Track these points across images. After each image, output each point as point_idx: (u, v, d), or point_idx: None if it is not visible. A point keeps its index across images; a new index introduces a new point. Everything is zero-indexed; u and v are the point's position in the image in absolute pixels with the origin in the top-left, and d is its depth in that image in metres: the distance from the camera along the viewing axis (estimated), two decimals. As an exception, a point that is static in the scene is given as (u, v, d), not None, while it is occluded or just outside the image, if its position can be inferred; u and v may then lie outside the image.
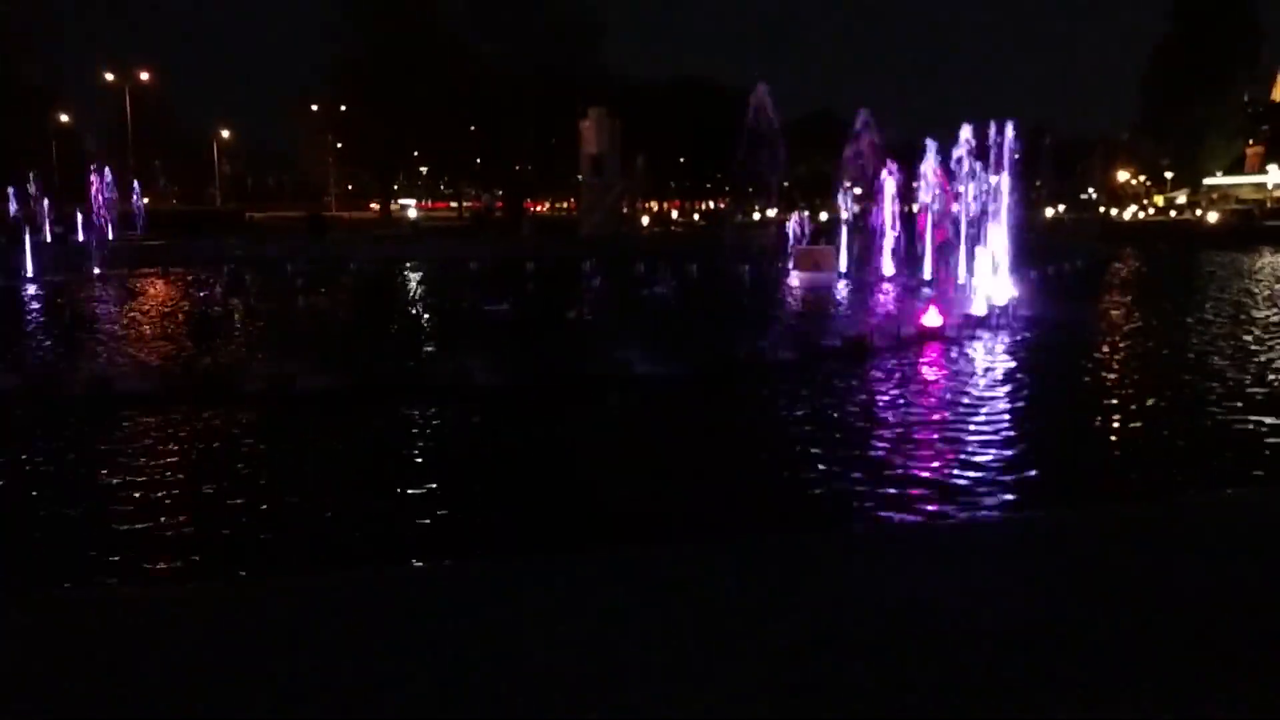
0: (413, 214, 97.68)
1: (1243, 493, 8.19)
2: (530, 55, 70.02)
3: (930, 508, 7.78)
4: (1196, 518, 6.80)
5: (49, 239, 45.24)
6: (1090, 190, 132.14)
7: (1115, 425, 11.01)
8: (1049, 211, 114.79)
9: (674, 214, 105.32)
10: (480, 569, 6.19)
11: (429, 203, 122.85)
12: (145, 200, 58.20)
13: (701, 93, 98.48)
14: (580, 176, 56.04)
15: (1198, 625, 4.53)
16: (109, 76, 76.95)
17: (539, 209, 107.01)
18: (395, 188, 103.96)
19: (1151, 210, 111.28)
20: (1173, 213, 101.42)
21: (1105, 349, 16.63)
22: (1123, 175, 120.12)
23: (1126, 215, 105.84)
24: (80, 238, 48.25)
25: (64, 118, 77.17)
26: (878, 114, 31.33)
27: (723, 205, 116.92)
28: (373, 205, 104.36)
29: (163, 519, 7.62)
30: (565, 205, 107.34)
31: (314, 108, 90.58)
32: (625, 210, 58.31)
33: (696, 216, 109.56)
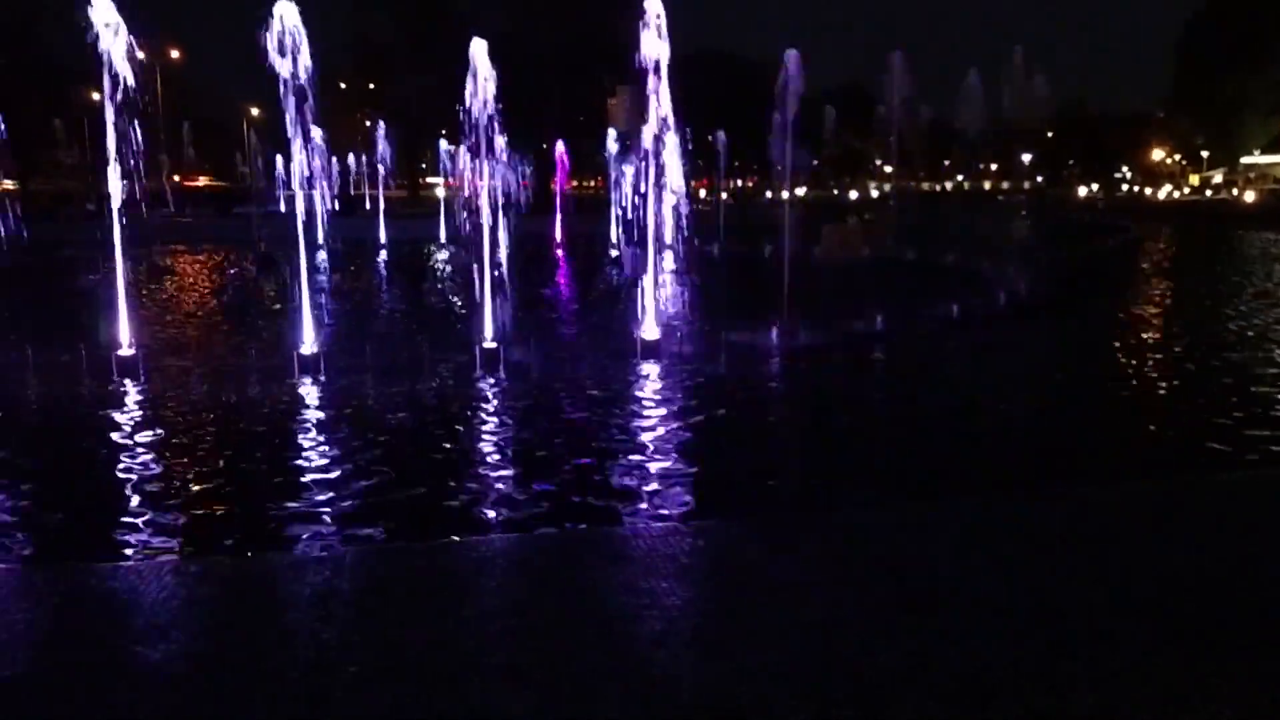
0: (440, 192, 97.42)
1: (1264, 472, 8.13)
2: (554, 32, 69.74)
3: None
4: (1217, 496, 6.76)
5: (82, 216, 45.70)
6: (1124, 169, 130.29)
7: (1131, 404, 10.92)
8: (1082, 190, 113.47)
9: (701, 192, 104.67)
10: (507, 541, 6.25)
11: (455, 181, 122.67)
12: (176, 178, 58.52)
13: (727, 66, 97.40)
14: (608, 155, 55.86)
15: (1211, 605, 4.52)
16: (139, 55, 77.38)
17: (569, 186, 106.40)
18: (423, 165, 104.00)
19: (1187, 190, 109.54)
20: (1208, 192, 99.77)
21: (1119, 340, 16.47)
22: (1157, 154, 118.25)
23: (1161, 195, 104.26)
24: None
25: (95, 95, 77.67)
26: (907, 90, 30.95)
27: (750, 184, 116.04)
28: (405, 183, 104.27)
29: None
30: (593, 183, 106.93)
31: (342, 86, 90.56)
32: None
33: (724, 195, 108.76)
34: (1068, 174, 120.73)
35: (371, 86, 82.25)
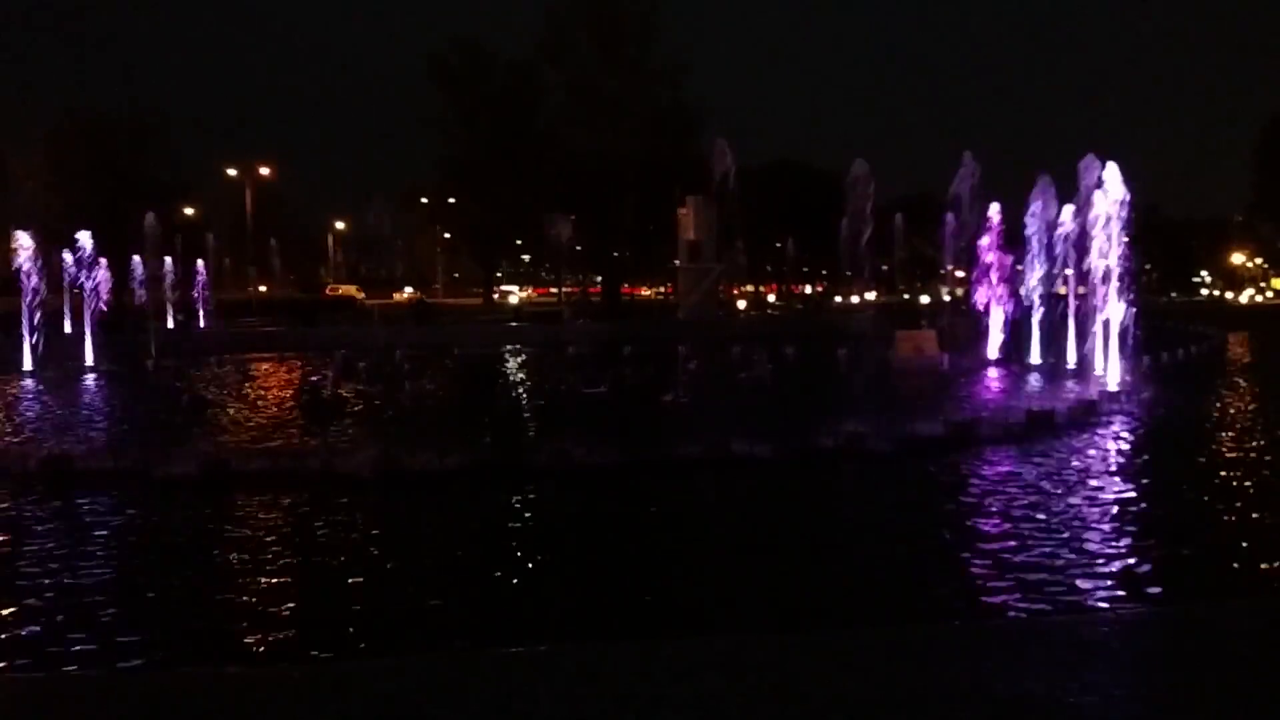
0: (514, 300, 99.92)
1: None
2: (629, 145, 71.48)
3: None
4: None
5: (171, 326, 47.68)
6: (1204, 273, 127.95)
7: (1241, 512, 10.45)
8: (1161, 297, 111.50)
9: (770, 297, 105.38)
10: (575, 653, 6.13)
11: (532, 289, 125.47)
12: (264, 288, 61.01)
13: (797, 175, 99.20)
14: (677, 262, 56.56)
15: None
16: (231, 172, 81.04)
17: (639, 293, 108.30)
18: (499, 275, 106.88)
19: (1270, 294, 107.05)
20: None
21: (1223, 434, 15.89)
22: (1238, 258, 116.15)
23: (1243, 299, 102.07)
24: (201, 324, 50.67)
25: (189, 211, 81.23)
26: (980, 197, 30.86)
27: (820, 289, 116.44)
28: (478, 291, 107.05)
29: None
30: (663, 290, 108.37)
31: (423, 200, 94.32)
32: (722, 294, 58.51)
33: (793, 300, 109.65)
34: (1145, 278, 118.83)
35: (452, 201, 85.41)
